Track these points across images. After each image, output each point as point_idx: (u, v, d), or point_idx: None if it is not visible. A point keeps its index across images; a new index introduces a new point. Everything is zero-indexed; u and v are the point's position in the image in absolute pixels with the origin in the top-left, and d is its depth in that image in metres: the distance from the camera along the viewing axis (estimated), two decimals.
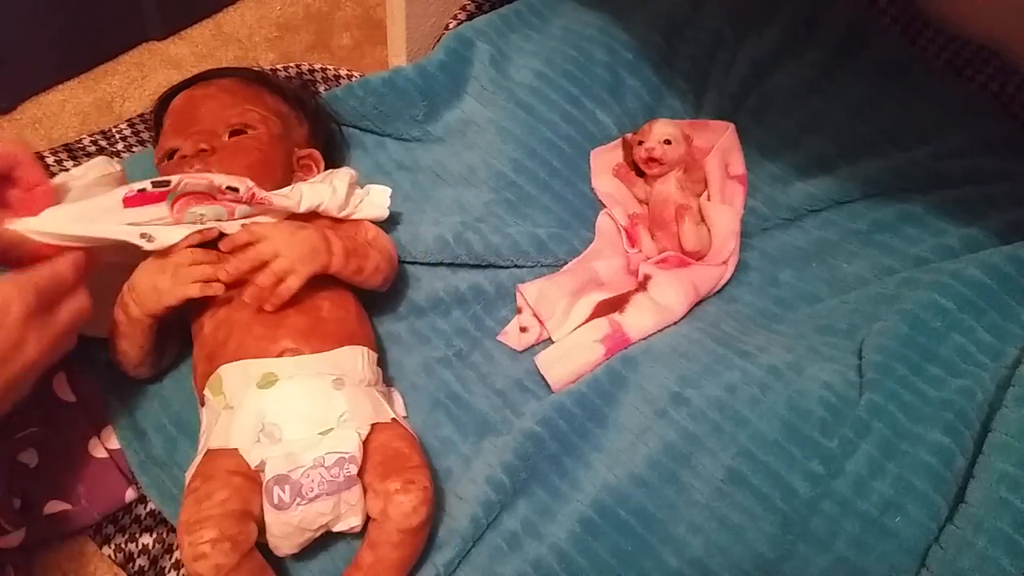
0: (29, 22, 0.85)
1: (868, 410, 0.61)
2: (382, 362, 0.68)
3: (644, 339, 0.70)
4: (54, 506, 0.62)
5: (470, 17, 0.95)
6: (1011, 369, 0.62)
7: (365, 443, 0.57)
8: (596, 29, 0.89)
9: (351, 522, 0.57)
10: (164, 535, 0.64)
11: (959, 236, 0.75)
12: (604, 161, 0.84)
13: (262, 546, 0.56)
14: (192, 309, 0.62)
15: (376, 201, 0.70)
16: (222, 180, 0.60)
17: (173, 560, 0.62)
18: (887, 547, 0.57)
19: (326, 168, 0.74)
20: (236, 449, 0.55)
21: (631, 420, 0.65)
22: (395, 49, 0.96)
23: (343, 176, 0.69)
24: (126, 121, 0.86)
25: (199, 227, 0.60)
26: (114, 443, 0.65)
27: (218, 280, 0.59)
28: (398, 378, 0.70)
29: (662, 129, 0.79)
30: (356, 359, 0.61)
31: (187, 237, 0.59)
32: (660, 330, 0.71)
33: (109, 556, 0.63)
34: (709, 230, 0.79)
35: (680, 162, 0.79)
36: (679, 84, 0.90)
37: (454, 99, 0.86)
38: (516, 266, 0.77)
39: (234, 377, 0.58)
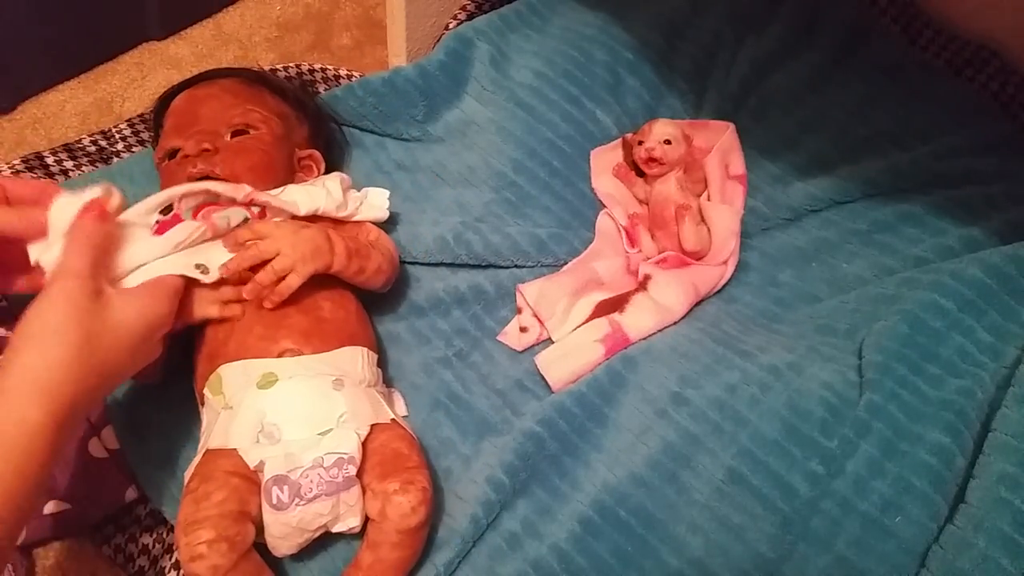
0: (29, 22, 0.85)
1: (868, 410, 0.61)
2: (382, 362, 0.68)
3: (644, 339, 0.70)
4: (54, 506, 0.62)
5: (470, 17, 0.95)
6: (1011, 369, 0.62)
7: (364, 444, 0.57)
8: (596, 29, 0.89)
9: (350, 523, 0.57)
10: (164, 535, 0.64)
11: (959, 236, 0.75)
12: (604, 161, 0.84)
13: (261, 546, 0.56)
14: (216, 320, 0.63)
15: (375, 203, 0.71)
16: (219, 188, 0.60)
17: (173, 560, 0.62)
18: (887, 547, 0.57)
19: (326, 169, 0.74)
20: (235, 449, 0.55)
21: (631, 420, 0.65)
22: (395, 49, 0.96)
23: (334, 178, 0.69)
24: (126, 121, 0.86)
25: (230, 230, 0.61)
26: (114, 443, 0.65)
27: (238, 301, 0.61)
28: (398, 378, 0.70)
29: (662, 129, 0.79)
30: (356, 360, 0.62)
31: (223, 264, 0.60)
32: (660, 330, 0.71)
33: (109, 556, 0.63)
34: (709, 230, 0.79)
35: (680, 162, 0.79)
36: (679, 84, 0.90)
37: (454, 99, 0.86)
38: (516, 266, 0.77)
39: (234, 377, 0.58)
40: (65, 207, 0.53)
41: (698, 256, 0.78)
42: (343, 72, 0.95)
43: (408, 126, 0.85)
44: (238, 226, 0.62)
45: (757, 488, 0.60)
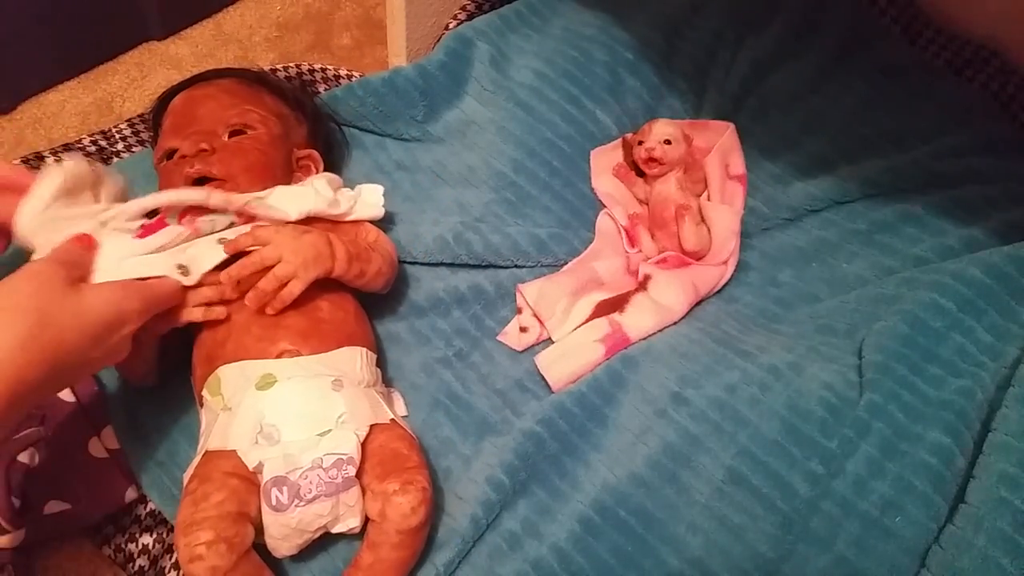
0: (29, 22, 0.85)
1: (868, 410, 0.61)
2: (382, 362, 0.68)
3: (644, 339, 0.70)
4: (54, 506, 0.61)
5: (470, 17, 0.95)
6: (1011, 369, 0.62)
7: (364, 444, 0.57)
8: (596, 29, 0.89)
9: (350, 523, 0.57)
10: (164, 535, 0.64)
11: (959, 236, 0.75)
12: (604, 161, 0.84)
13: (262, 547, 0.56)
14: (197, 323, 0.62)
15: (370, 201, 0.70)
16: (212, 200, 0.60)
17: (173, 560, 0.62)
18: (887, 547, 0.57)
19: (325, 168, 0.74)
20: (234, 451, 0.55)
21: (631, 420, 0.65)
22: (395, 49, 0.96)
23: (321, 178, 0.69)
24: (126, 121, 0.86)
25: (217, 235, 0.61)
26: (114, 443, 0.65)
27: (220, 303, 0.60)
28: (398, 378, 0.70)
29: (662, 129, 0.79)
30: (355, 360, 0.61)
31: (225, 271, 0.60)
32: (660, 330, 0.71)
33: (109, 556, 0.63)
34: (709, 230, 0.79)
35: (680, 162, 0.79)
36: (679, 84, 0.90)
37: (454, 99, 0.86)
38: (516, 266, 0.77)
39: (232, 378, 0.58)
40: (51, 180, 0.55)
41: (698, 256, 0.78)
42: (343, 72, 0.95)
43: (408, 126, 0.85)
44: (223, 229, 0.62)
45: (757, 488, 0.60)
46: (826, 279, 0.77)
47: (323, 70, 0.94)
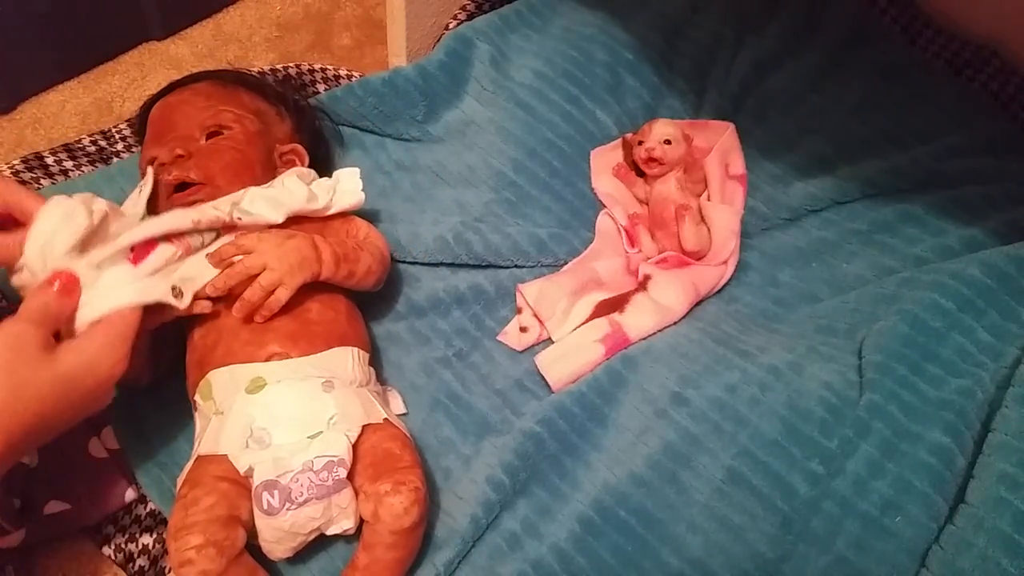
0: (29, 22, 0.85)
1: (868, 410, 0.61)
2: (378, 361, 0.68)
3: (644, 339, 0.70)
4: (54, 506, 0.61)
5: (470, 17, 0.95)
6: (1011, 369, 0.62)
7: (356, 445, 0.57)
8: (596, 29, 0.89)
9: (343, 525, 0.57)
10: (164, 535, 0.64)
11: (959, 236, 0.75)
12: (604, 161, 0.84)
13: (259, 549, 0.56)
14: (184, 315, 0.62)
15: (348, 188, 0.69)
16: (201, 217, 0.60)
17: None
18: (887, 547, 0.57)
19: (313, 163, 0.73)
20: (225, 455, 0.55)
21: (631, 420, 0.65)
22: (395, 49, 0.96)
23: (290, 175, 0.67)
24: (126, 121, 0.86)
25: (206, 251, 0.61)
26: (114, 443, 0.65)
27: (206, 297, 0.59)
28: (398, 378, 0.70)
29: (662, 129, 0.79)
30: (346, 360, 0.61)
31: (210, 282, 0.59)
32: (660, 330, 0.71)
33: (109, 556, 0.63)
34: (709, 230, 0.79)
35: (680, 162, 0.79)
36: (679, 84, 0.90)
37: (454, 99, 0.86)
38: (516, 266, 0.77)
39: (223, 382, 0.58)
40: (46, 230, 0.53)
41: (698, 256, 0.78)
42: (343, 72, 0.95)
43: (408, 126, 0.85)
44: (212, 242, 0.61)
45: (757, 488, 0.60)
46: (826, 279, 0.77)
47: (323, 70, 0.94)
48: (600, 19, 0.90)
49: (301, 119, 0.76)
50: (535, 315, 0.73)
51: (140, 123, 0.73)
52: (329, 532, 0.57)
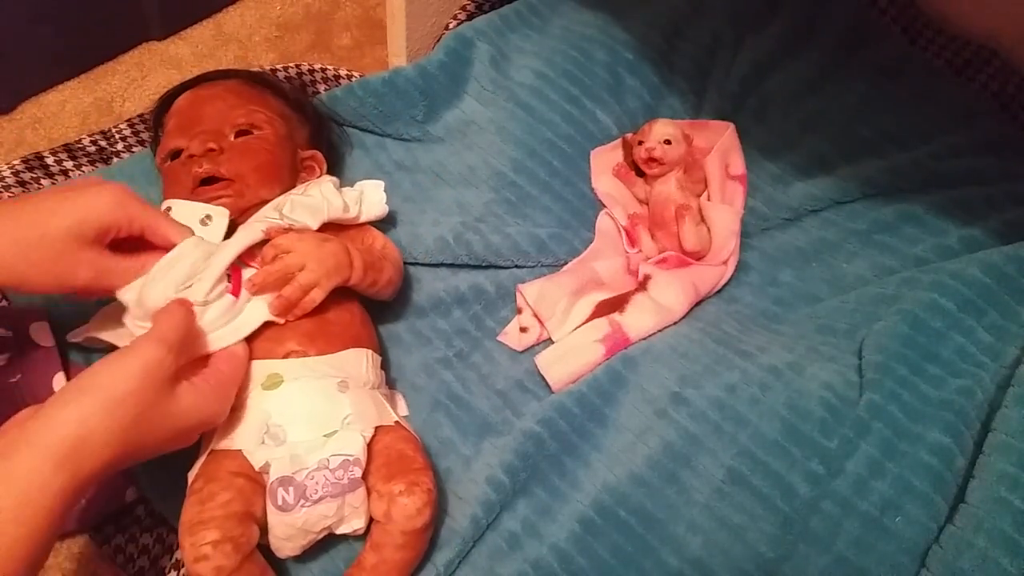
0: (29, 22, 0.85)
1: (868, 410, 0.61)
2: (384, 363, 0.68)
3: (644, 339, 0.70)
4: None
5: (470, 17, 0.95)
6: (1011, 369, 0.62)
7: (369, 445, 0.57)
8: (596, 29, 0.89)
9: (354, 524, 0.57)
10: (164, 535, 0.64)
11: (959, 236, 0.75)
12: (604, 161, 0.84)
13: (264, 547, 0.56)
14: None
15: (374, 199, 0.70)
16: (272, 227, 0.61)
17: (173, 560, 0.62)
18: (887, 547, 0.57)
19: (328, 170, 0.74)
20: (240, 450, 0.55)
21: (631, 420, 0.65)
22: (395, 49, 0.96)
23: (326, 184, 0.68)
24: (126, 121, 0.86)
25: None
26: None
27: None
28: (399, 379, 0.70)
29: (662, 129, 0.79)
30: (360, 361, 0.62)
31: (248, 279, 0.60)
32: (660, 330, 0.71)
33: (109, 556, 0.63)
34: (709, 230, 0.79)
35: (680, 162, 0.79)
36: (679, 84, 0.90)
37: (454, 99, 0.86)
38: (516, 266, 0.77)
39: None
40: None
41: (698, 256, 0.78)
42: (343, 72, 0.95)
43: (408, 126, 0.85)
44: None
45: (757, 488, 0.60)
46: (826, 279, 0.77)
47: (323, 70, 0.94)
48: (600, 19, 0.90)
49: (320, 127, 0.77)
50: (535, 315, 0.73)
51: (159, 113, 0.73)
52: (339, 531, 0.57)
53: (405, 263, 0.75)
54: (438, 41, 0.94)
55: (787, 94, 0.90)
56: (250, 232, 0.60)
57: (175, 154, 0.67)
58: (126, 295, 0.56)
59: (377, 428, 0.58)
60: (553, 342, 0.73)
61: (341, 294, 0.64)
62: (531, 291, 0.74)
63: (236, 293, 0.58)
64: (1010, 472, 0.56)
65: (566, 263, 0.78)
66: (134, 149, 0.84)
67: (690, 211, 0.78)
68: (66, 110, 0.91)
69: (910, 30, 0.98)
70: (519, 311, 0.75)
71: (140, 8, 0.96)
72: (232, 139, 0.67)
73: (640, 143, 0.80)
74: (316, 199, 0.66)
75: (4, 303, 0.69)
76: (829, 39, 0.94)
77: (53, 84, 0.93)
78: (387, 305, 0.73)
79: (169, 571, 0.62)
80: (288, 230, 0.62)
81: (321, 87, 0.92)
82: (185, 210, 0.63)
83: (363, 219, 0.69)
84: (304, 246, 0.60)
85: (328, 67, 0.95)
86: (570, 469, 0.64)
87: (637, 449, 0.63)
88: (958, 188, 0.80)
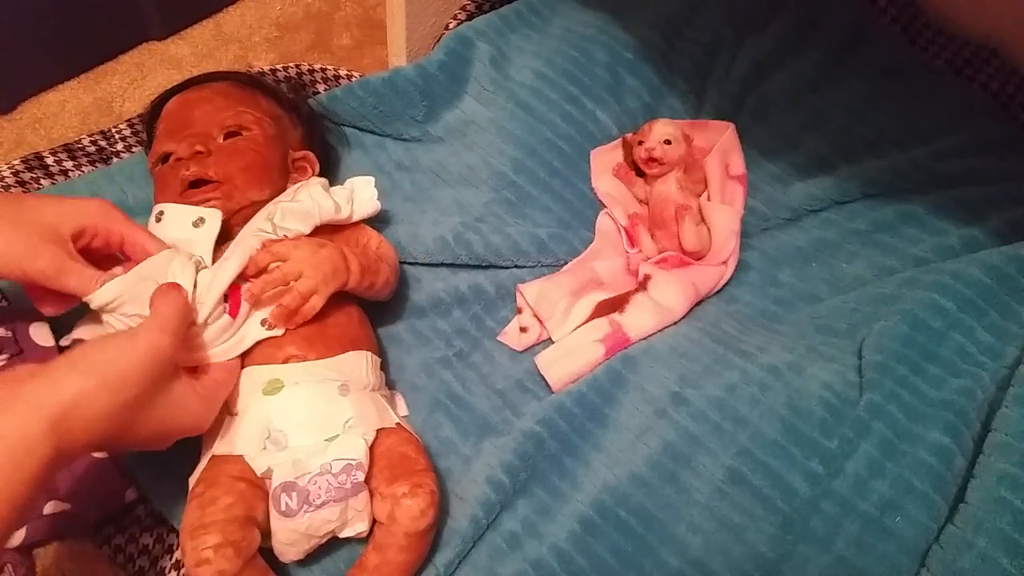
0: (29, 22, 0.85)
1: (868, 410, 0.61)
2: (383, 364, 0.68)
3: (644, 339, 0.70)
4: (54, 506, 0.61)
5: (470, 17, 0.95)
6: (1011, 369, 0.62)
7: (371, 448, 0.57)
8: (596, 29, 0.89)
9: (358, 528, 0.57)
10: (164, 535, 0.64)
11: (959, 236, 0.75)
12: (604, 161, 0.84)
13: (266, 552, 0.56)
14: None
15: (365, 197, 0.70)
16: (266, 240, 0.61)
17: (173, 561, 0.62)
18: (887, 547, 0.57)
19: (322, 170, 0.74)
20: (241, 456, 0.55)
21: (631, 420, 0.65)
22: (395, 49, 0.96)
23: (315, 186, 0.68)
24: (126, 121, 0.86)
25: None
26: None
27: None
28: (398, 379, 0.70)
29: (662, 129, 0.79)
30: (360, 364, 0.62)
31: (247, 288, 0.60)
32: (660, 330, 0.71)
33: (109, 556, 0.63)
34: (709, 230, 0.79)
35: (680, 162, 0.79)
36: (679, 84, 0.90)
37: (454, 99, 0.86)
38: (516, 266, 0.77)
39: (239, 383, 0.58)
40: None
41: (698, 256, 0.78)
42: (343, 72, 0.95)
43: (408, 126, 0.85)
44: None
45: (757, 488, 0.60)
46: (826, 279, 0.77)
47: (323, 70, 0.94)
48: (600, 19, 0.90)
49: (312, 127, 0.77)
50: (535, 315, 0.73)
51: (151, 117, 0.73)
52: (342, 535, 0.57)
53: (405, 263, 0.75)
54: (438, 41, 0.94)
55: (787, 94, 0.90)
56: (244, 249, 0.60)
57: (165, 158, 0.67)
58: (97, 298, 0.56)
59: (379, 431, 0.58)
60: (553, 342, 0.73)
61: (339, 297, 0.63)
62: (531, 291, 0.74)
63: (234, 314, 0.58)
64: (1010, 472, 0.56)
65: (566, 263, 0.78)
66: (134, 149, 0.84)
67: (690, 211, 0.78)
68: (66, 110, 0.92)
69: (910, 30, 0.98)
70: (519, 311, 0.75)
71: (140, 8, 0.96)
72: (220, 141, 0.67)
73: (640, 143, 0.80)
74: (306, 203, 0.65)
75: (4, 303, 0.69)
76: (829, 39, 0.94)
77: (53, 84, 0.93)
78: (387, 305, 0.73)
79: (169, 571, 0.62)
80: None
81: (321, 87, 0.92)
82: (177, 214, 0.63)
83: (356, 218, 0.69)
84: (300, 253, 0.60)
85: (328, 67, 0.95)
86: (570, 469, 0.64)
87: (637, 449, 0.63)
88: (958, 188, 0.80)
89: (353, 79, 0.91)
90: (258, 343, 0.59)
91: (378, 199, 0.70)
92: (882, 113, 0.87)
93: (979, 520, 0.55)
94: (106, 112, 0.92)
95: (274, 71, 0.90)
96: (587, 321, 0.72)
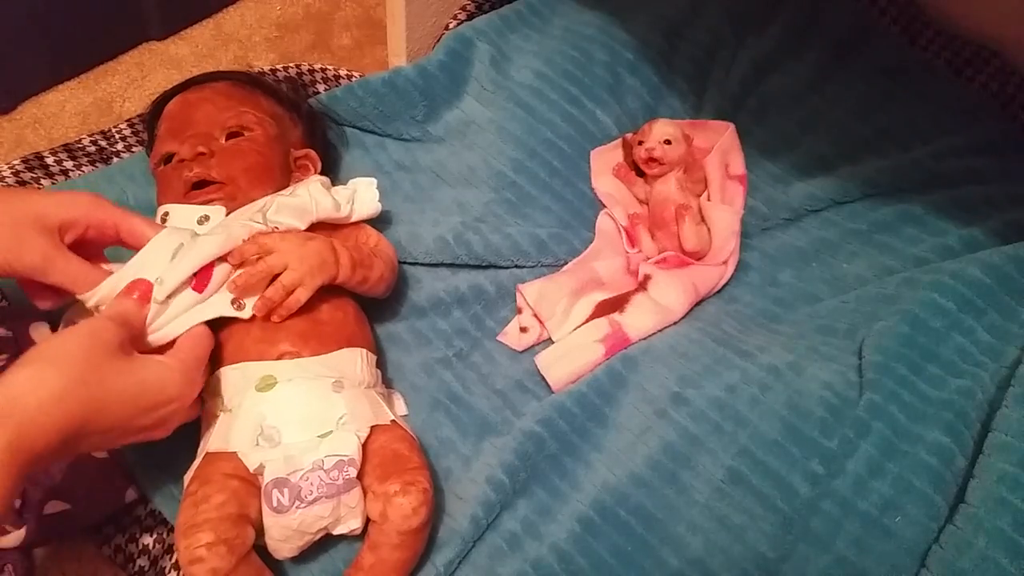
0: (29, 22, 0.85)
1: (868, 410, 0.61)
2: (382, 363, 0.68)
3: (644, 339, 0.70)
4: (54, 506, 0.61)
5: (470, 17, 0.95)
6: (1011, 369, 0.62)
7: (364, 445, 0.57)
8: (596, 29, 0.89)
9: (351, 524, 0.57)
10: (164, 535, 0.64)
11: (959, 236, 0.75)
12: (604, 161, 0.84)
13: (262, 549, 0.56)
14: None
15: (367, 197, 0.70)
16: (249, 233, 0.61)
17: (173, 560, 0.62)
18: (887, 547, 0.57)
19: (323, 169, 0.74)
20: (235, 452, 0.55)
21: (631, 420, 0.65)
22: (395, 49, 0.96)
23: (315, 183, 0.68)
24: (126, 121, 0.86)
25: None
26: None
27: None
28: (398, 379, 0.70)
29: (662, 129, 0.79)
30: (355, 361, 0.61)
31: (231, 280, 0.59)
32: (660, 330, 0.71)
33: (109, 556, 0.63)
34: (709, 230, 0.79)
35: (680, 162, 0.79)
36: (679, 84, 0.90)
37: (454, 99, 0.86)
38: (516, 266, 0.77)
39: (233, 380, 0.58)
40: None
41: (698, 256, 0.78)
42: (343, 72, 0.95)
43: (408, 126, 0.85)
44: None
45: (757, 488, 0.60)
46: (826, 279, 0.77)
47: (323, 70, 0.94)
48: (600, 19, 0.90)
49: (313, 126, 0.77)
50: (535, 315, 0.73)
51: (152, 117, 0.73)
52: (336, 532, 0.57)
53: (405, 263, 0.74)
54: (438, 41, 0.94)
55: (787, 94, 0.90)
56: (225, 233, 0.60)
57: (167, 159, 0.67)
58: (92, 298, 0.56)
59: (373, 428, 0.58)
60: (553, 342, 0.73)
61: (334, 293, 0.63)
62: (531, 291, 0.74)
63: (200, 289, 0.58)
64: (1010, 472, 0.56)
65: (566, 263, 0.78)
66: (134, 149, 0.84)
67: (690, 211, 0.78)
68: (66, 110, 0.92)
69: (910, 30, 0.98)
70: (519, 311, 0.75)
71: (140, 8, 0.96)
72: (222, 142, 0.67)
73: (640, 143, 0.80)
74: (303, 199, 0.65)
75: (4, 303, 0.69)
76: (829, 39, 0.94)
77: (53, 84, 0.93)
78: (386, 305, 0.73)
79: (169, 571, 0.62)
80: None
81: (321, 87, 0.92)
82: (182, 213, 0.63)
83: (355, 218, 0.69)
84: (286, 245, 0.60)
85: (328, 67, 0.95)
86: (570, 469, 0.64)
87: (637, 449, 0.63)
88: (958, 188, 0.80)
89: (353, 79, 0.91)
90: (251, 339, 0.59)
91: (379, 201, 0.70)
92: (882, 113, 0.88)
93: (979, 520, 0.55)
94: (106, 112, 0.92)
95: (274, 71, 0.90)
96: (587, 321, 0.72)
